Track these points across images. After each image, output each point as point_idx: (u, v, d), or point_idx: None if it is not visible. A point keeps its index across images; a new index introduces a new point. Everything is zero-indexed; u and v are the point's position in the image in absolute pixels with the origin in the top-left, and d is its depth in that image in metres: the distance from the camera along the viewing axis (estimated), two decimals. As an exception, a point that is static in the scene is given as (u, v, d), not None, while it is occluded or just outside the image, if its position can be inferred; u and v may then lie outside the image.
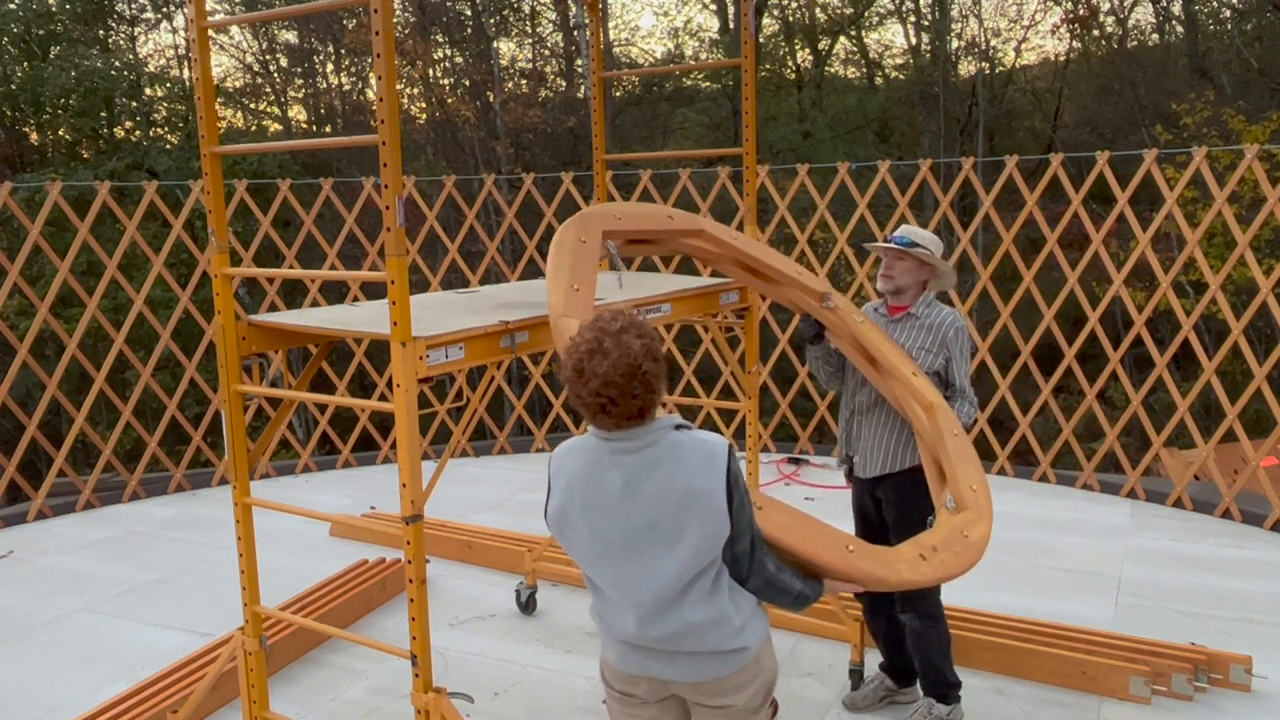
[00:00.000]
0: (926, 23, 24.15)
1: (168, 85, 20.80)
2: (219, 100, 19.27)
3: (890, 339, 3.83)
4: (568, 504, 2.45)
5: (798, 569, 2.60)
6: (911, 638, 3.86)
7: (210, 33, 3.22)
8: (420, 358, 2.91)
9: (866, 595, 4.05)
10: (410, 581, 3.01)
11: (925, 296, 3.88)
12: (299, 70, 24.29)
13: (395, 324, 2.86)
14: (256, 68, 24.14)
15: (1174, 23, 23.40)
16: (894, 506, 3.82)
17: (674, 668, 2.47)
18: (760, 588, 2.47)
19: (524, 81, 21.95)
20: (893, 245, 3.79)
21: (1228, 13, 22.25)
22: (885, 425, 3.81)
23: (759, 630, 2.48)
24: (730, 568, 2.42)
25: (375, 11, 2.66)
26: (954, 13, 22.39)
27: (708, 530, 2.33)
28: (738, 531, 2.37)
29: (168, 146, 18.68)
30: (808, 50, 25.67)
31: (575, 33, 20.67)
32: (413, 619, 3.03)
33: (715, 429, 8.78)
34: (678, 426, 2.39)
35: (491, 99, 20.15)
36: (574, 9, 20.31)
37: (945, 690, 3.87)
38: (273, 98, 24.34)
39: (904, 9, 24.64)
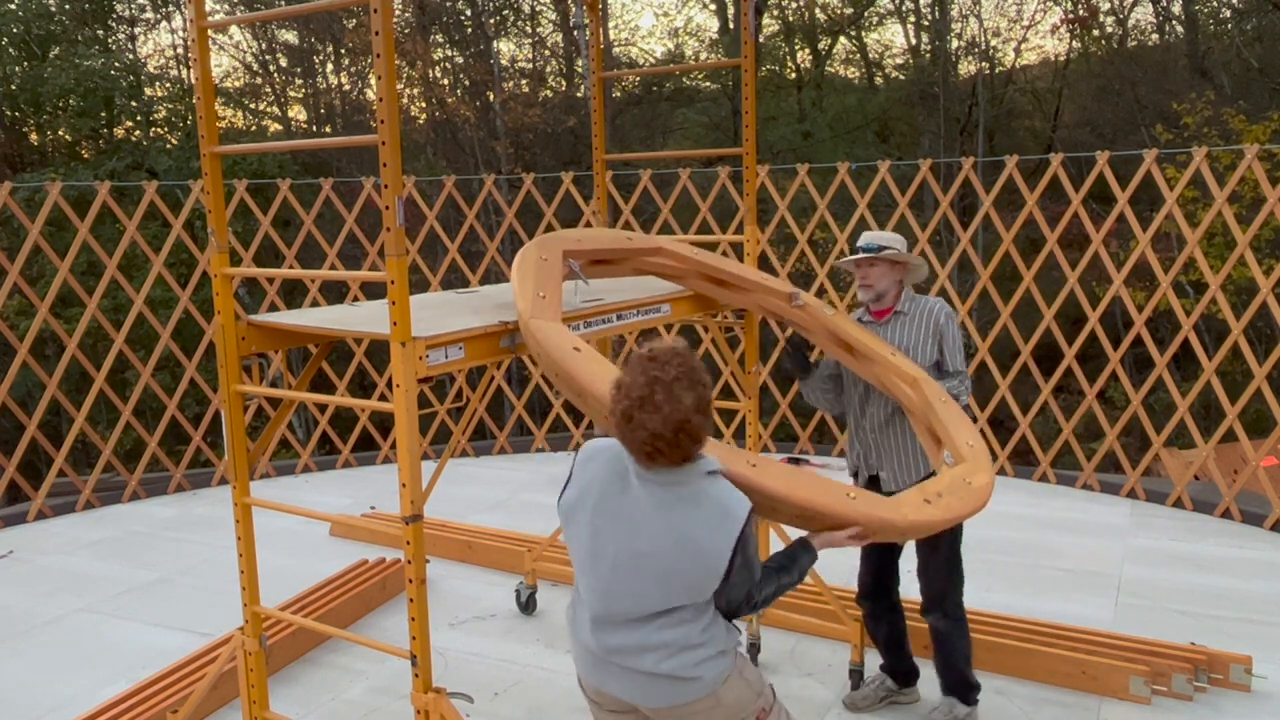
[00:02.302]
0: (926, 23, 24.15)
1: (168, 85, 20.80)
2: (219, 100, 19.27)
3: (864, 328, 3.89)
4: (581, 502, 2.46)
5: (800, 521, 2.58)
6: (937, 640, 3.87)
7: (210, 33, 3.21)
8: (420, 358, 2.91)
9: (868, 599, 4.05)
10: (410, 581, 3.01)
11: (905, 292, 3.92)
12: (299, 70, 24.28)
13: (395, 324, 2.86)
14: (256, 68, 24.14)
15: (1174, 23, 23.40)
16: None
17: (627, 688, 2.45)
18: (748, 612, 2.50)
19: (524, 81, 21.94)
20: (861, 255, 3.83)
21: (1228, 13, 22.25)
22: (905, 436, 3.81)
23: (720, 666, 2.43)
24: (715, 600, 2.43)
25: (375, 11, 2.66)
26: (954, 13, 22.39)
27: (698, 579, 2.35)
28: (734, 586, 2.39)
29: (168, 146, 18.67)
30: (808, 50, 25.67)
31: (575, 33, 20.67)
32: (413, 619, 3.03)
33: (715, 429, 8.77)
34: (710, 472, 2.38)
35: (491, 99, 20.15)
36: (574, 9, 20.31)
37: (967, 691, 3.90)
38: (273, 98, 24.34)
39: (904, 9, 24.64)
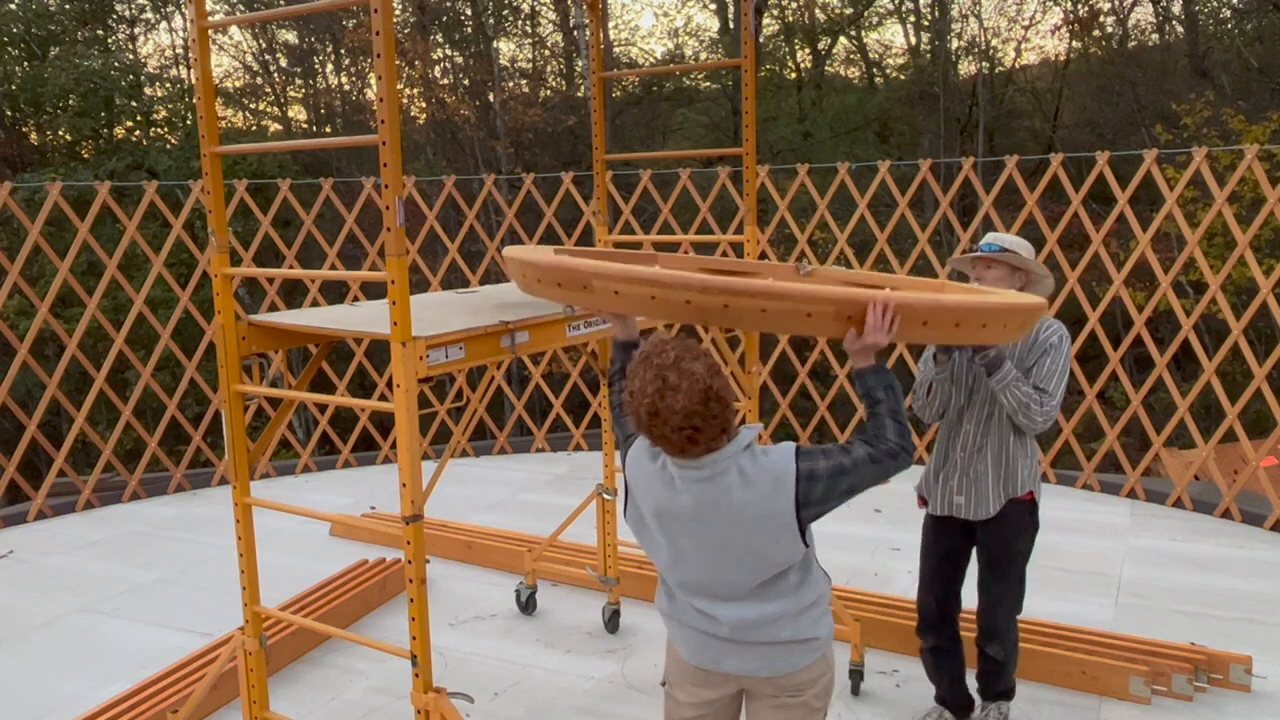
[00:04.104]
0: (926, 23, 24.16)
1: (168, 85, 20.80)
2: (219, 100, 19.25)
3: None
4: (642, 512, 2.49)
5: (842, 325, 2.51)
6: (990, 667, 3.77)
7: (210, 33, 3.21)
8: (420, 358, 2.91)
9: (931, 630, 3.84)
10: (410, 581, 3.01)
11: None
12: (299, 70, 24.28)
13: (395, 324, 2.85)
14: (256, 68, 24.14)
15: (1174, 23, 23.41)
16: (994, 539, 3.66)
17: (749, 663, 2.49)
18: (907, 457, 2.45)
19: (524, 81, 21.95)
20: (980, 253, 3.55)
21: (1228, 13, 22.26)
22: (996, 461, 3.58)
23: (828, 621, 2.53)
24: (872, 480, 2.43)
25: (375, 11, 2.66)
26: (954, 13, 22.39)
27: (782, 545, 2.37)
28: (837, 497, 2.38)
29: (168, 146, 18.67)
30: (808, 50, 25.66)
31: (575, 33, 20.66)
32: (413, 619, 3.02)
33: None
34: (748, 446, 2.38)
35: (491, 99, 20.15)
36: (574, 9, 20.31)
37: (1010, 693, 3.88)
38: (273, 98, 24.35)
39: (904, 9, 24.65)
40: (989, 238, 3.63)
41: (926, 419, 3.76)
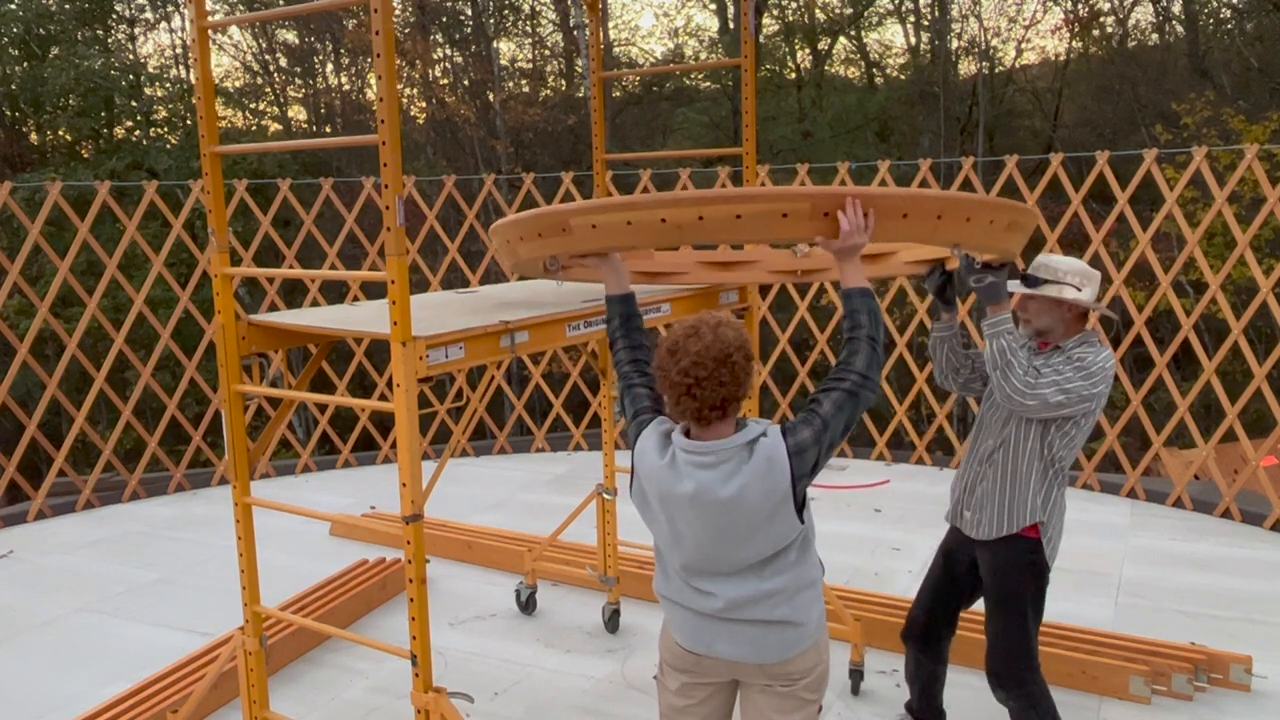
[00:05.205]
0: (926, 23, 24.15)
1: (168, 85, 20.80)
2: (219, 100, 19.24)
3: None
4: (645, 493, 2.54)
5: (819, 226, 2.52)
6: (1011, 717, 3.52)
7: (210, 33, 3.21)
8: (420, 357, 2.91)
9: (913, 640, 3.74)
10: (410, 581, 3.01)
11: (1085, 334, 3.26)
12: (299, 70, 24.28)
13: (395, 324, 2.85)
14: (256, 68, 24.14)
15: (1174, 23, 23.40)
16: (985, 567, 3.43)
17: (740, 647, 2.50)
18: (875, 379, 2.50)
19: (524, 81, 21.96)
20: (1019, 289, 3.25)
21: (1228, 13, 22.26)
22: (1004, 479, 3.31)
23: (820, 605, 2.55)
24: (849, 414, 2.49)
25: (375, 11, 2.66)
26: (954, 13, 22.39)
27: (779, 524, 2.41)
28: (824, 455, 2.44)
29: (168, 146, 18.67)
30: (808, 50, 25.66)
31: (575, 33, 20.66)
32: (413, 619, 3.02)
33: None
34: (750, 441, 2.41)
35: (491, 99, 20.15)
36: (574, 9, 20.31)
37: None
38: (272, 98, 24.34)
39: (904, 9, 24.64)
40: (1038, 262, 3.30)
41: (938, 382, 3.66)
